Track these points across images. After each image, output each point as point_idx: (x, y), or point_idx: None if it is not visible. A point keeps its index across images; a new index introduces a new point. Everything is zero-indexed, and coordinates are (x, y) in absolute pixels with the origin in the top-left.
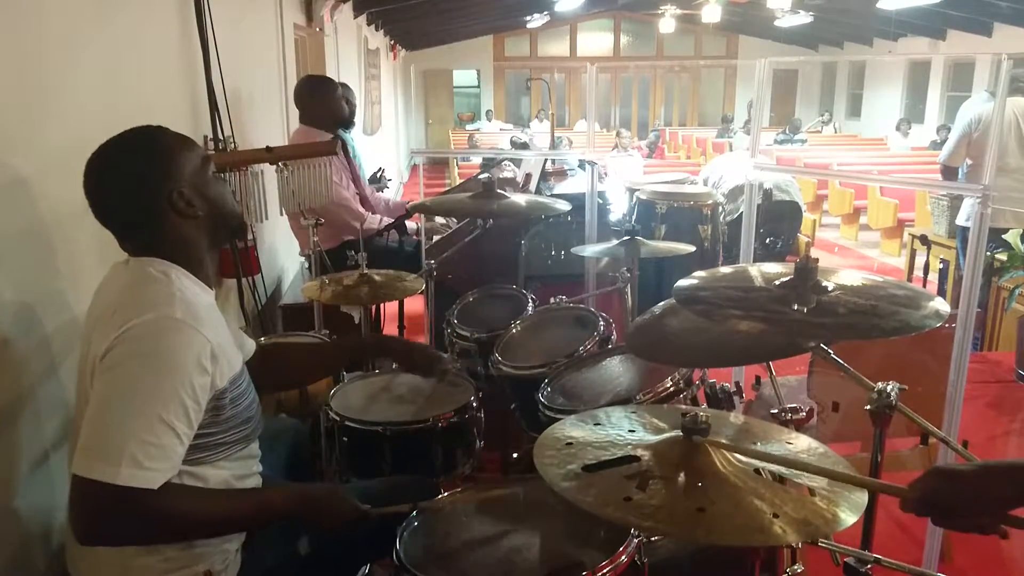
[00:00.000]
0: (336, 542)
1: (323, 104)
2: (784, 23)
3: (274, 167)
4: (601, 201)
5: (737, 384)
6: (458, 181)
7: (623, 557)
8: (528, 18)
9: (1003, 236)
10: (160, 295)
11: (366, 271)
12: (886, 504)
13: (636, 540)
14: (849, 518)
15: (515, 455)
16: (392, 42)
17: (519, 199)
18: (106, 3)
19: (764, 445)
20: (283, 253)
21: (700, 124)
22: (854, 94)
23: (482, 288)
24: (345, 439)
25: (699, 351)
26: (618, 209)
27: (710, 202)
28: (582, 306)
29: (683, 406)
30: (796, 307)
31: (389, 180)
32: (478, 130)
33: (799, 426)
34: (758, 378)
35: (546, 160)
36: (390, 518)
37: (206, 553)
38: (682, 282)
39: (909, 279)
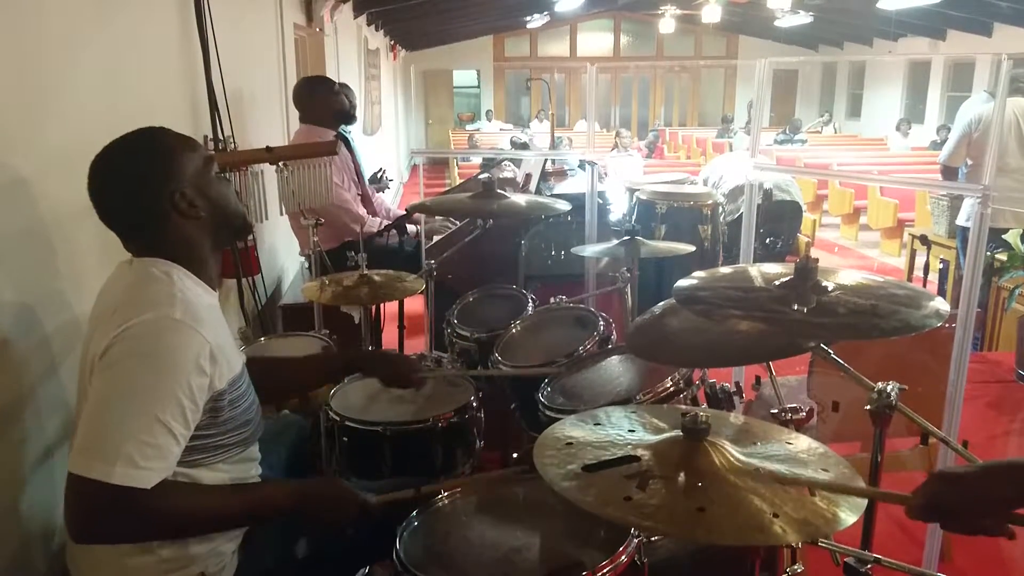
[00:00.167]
0: (336, 542)
1: (323, 102)
2: (784, 23)
3: (274, 167)
4: (601, 201)
5: (737, 384)
6: (458, 181)
7: (623, 557)
8: (528, 18)
9: (1003, 236)
10: (161, 295)
11: (366, 271)
12: (886, 504)
13: (636, 540)
14: (849, 518)
15: (515, 455)
16: (392, 42)
17: (519, 199)
18: (106, 3)
19: (764, 445)
20: (283, 253)
21: (700, 124)
22: (854, 94)
23: (482, 288)
24: (345, 439)
25: (699, 351)
26: (618, 209)
27: (710, 202)
28: (582, 306)
29: (683, 406)
30: (796, 307)
31: (390, 180)
32: (478, 130)
33: (799, 426)
34: (758, 378)
35: (546, 160)
36: (391, 513)
37: (200, 555)
38: (682, 282)
39: (909, 279)
